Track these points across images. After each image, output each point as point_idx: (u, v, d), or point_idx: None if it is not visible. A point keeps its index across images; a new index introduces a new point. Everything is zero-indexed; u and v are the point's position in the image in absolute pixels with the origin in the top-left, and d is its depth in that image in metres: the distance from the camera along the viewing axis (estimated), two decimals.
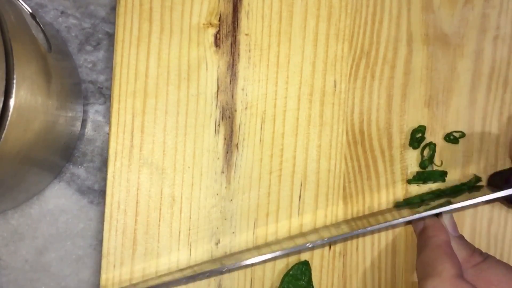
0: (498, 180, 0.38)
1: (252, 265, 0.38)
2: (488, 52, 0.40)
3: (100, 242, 0.41)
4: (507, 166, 0.40)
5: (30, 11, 0.35)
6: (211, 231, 0.39)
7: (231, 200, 0.39)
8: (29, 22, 0.33)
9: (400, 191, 0.39)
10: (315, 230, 0.39)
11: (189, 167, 0.39)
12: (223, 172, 0.39)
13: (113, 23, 0.43)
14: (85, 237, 0.41)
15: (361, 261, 0.39)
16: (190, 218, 0.39)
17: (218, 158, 0.39)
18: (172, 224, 0.38)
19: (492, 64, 0.40)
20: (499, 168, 0.40)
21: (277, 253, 0.36)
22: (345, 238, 0.39)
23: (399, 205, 0.39)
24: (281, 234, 0.39)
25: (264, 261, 0.38)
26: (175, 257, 0.38)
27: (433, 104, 0.40)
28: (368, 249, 0.39)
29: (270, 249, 0.37)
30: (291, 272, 0.38)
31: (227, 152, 0.39)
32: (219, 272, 0.38)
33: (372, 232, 0.39)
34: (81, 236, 0.41)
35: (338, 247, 0.39)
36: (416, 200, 0.39)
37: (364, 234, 0.39)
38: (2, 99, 0.28)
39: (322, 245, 0.39)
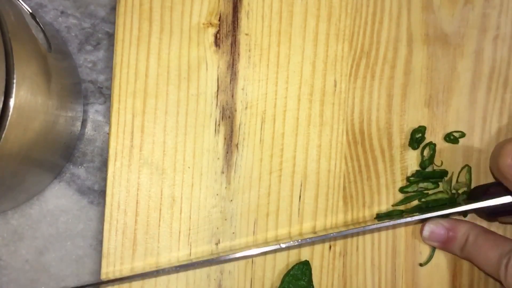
0: (479, 192, 0.38)
1: (251, 257, 0.38)
2: (488, 52, 0.40)
3: (100, 242, 0.41)
4: None
5: (30, 11, 0.35)
6: (211, 231, 0.39)
7: (231, 200, 0.39)
8: (29, 22, 0.33)
9: (400, 191, 0.39)
10: (314, 233, 0.39)
11: (189, 167, 0.39)
12: (223, 172, 0.39)
13: (113, 23, 0.43)
14: (85, 237, 0.41)
15: (361, 261, 0.39)
16: (190, 218, 0.39)
17: (218, 158, 0.39)
18: (172, 225, 0.38)
19: (492, 64, 0.40)
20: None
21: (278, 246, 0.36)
22: (345, 237, 0.39)
23: (380, 216, 0.39)
24: (281, 234, 0.39)
25: (265, 253, 0.38)
26: (175, 258, 0.38)
27: (433, 104, 0.40)
28: (368, 249, 0.39)
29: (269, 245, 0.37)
30: (291, 272, 0.38)
31: (227, 152, 0.39)
32: (219, 262, 0.38)
33: (372, 231, 0.39)
34: (81, 236, 0.41)
35: (338, 247, 0.39)
36: (397, 213, 0.39)
37: (364, 233, 0.39)
38: (2, 99, 0.28)
39: (322, 242, 0.39)
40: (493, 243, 0.35)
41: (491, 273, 0.35)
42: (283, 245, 0.37)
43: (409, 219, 0.37)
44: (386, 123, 0.40)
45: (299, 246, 0.38)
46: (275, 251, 0.38)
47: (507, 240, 0.35)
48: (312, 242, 0.38)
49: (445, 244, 0.37)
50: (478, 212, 0.38)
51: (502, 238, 0.36)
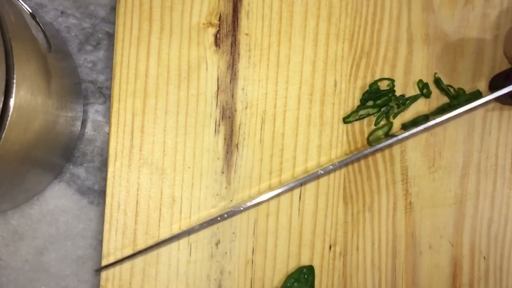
0: (499, 80, 0.37)
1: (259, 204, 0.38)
2: (488, 52, 0.40)
3: (100, 242, 0.41)
4: (508, 161, 0.40)
5: (30, 11, 0.35)
6: (211, 231, 0.38)
7: (231, 200, 0.39)
8: (29, 22, 0.33)
9: (400, 191, 0.39)
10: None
11: (189, 167, 0.39)
12: (223, 172, 0.39)
13: (113, 23, 0.43)
14: (85, 237, 0.41)
15: (361, 261, 0.39)
16: (190, 218, 0.39)
17: (218, 158, 0.39)
18: (172, 225, 0.38)
19: (492, 64, 0.40)
20: (500, 165, 0.40)
21: (285, 187, 0.38)
22: (345, 236, 0.39)
23: (406, 126, 0.39)
24: (282, 235, 0.39)
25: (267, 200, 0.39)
26: (175, 257, 0.38)
27: (433, 104, 0.40)
28: (368, 249, 0.39)
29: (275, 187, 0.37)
30: (294, 275, 0.37)
31: (227, 152, 0.39)
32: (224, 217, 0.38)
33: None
34: (81, 236, 0.41)
35: (338, 247, 0.39)
36: (422, 118, 0.39)
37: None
38: (2, 99, 0.28)
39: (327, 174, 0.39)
40: None
41: None
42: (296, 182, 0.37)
43: (435, 120, 0.38)
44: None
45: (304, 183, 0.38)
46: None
47: None
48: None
49: None
50: (503, 99, 0.38)
51: None
